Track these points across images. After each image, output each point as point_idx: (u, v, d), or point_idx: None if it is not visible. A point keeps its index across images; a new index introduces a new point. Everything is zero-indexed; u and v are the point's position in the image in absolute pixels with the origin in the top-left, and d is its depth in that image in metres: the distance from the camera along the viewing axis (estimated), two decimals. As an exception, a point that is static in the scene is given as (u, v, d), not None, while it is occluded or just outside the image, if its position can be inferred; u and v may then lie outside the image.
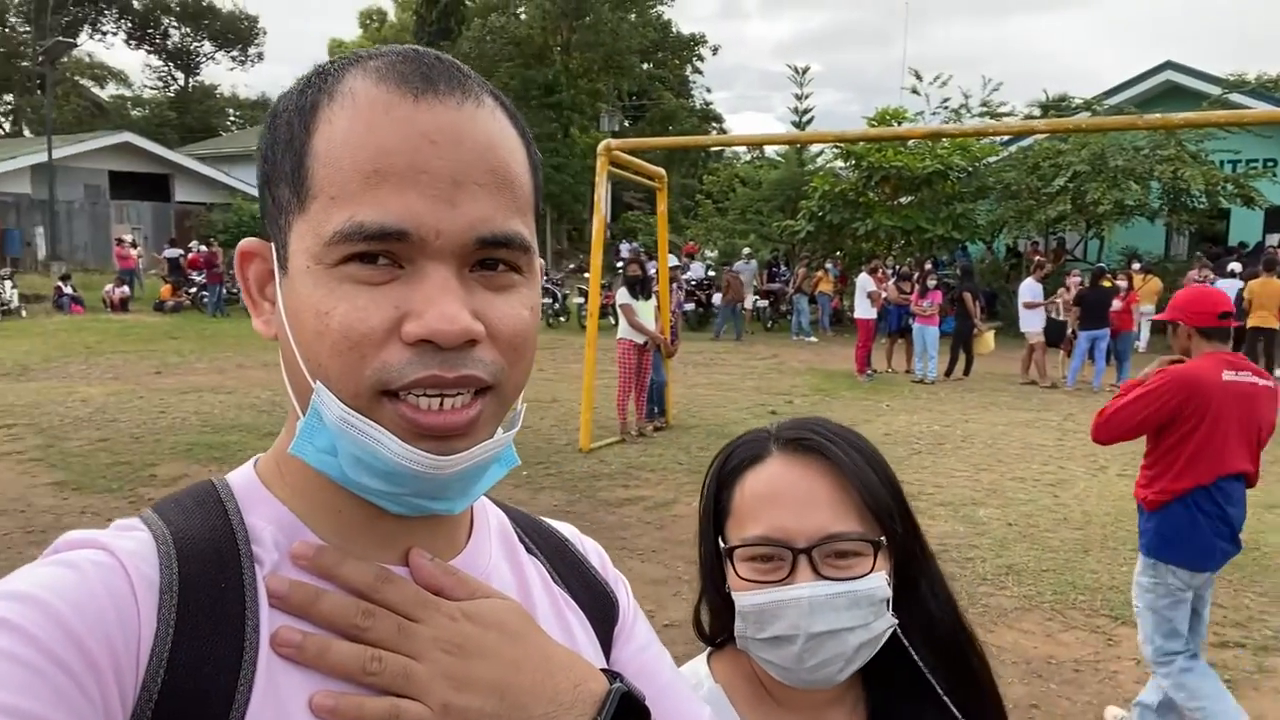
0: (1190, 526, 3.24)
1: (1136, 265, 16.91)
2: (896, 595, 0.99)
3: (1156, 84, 20.52)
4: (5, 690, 0.48)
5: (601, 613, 0.79)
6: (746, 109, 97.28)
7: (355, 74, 0.61)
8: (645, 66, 37.92)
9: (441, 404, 0.59)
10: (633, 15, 34.24)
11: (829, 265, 19.77)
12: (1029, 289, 13.11)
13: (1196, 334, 3.29)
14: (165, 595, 0.57)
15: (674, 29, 38.69)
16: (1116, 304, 12.34)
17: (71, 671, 0.51)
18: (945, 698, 1.00)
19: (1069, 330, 12.68)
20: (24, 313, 18.76)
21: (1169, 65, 20.54)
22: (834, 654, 0.95)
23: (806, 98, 26.25)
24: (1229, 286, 14.91)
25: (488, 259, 0.61)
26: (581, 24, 31.87)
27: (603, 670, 0.69)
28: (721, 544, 1.00)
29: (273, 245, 0.64)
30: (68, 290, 20.27)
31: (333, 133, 0.59)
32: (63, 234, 26.42)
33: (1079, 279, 12.68)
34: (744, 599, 0.97)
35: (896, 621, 0.98)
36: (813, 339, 18.16)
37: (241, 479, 0.67)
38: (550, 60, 32.79)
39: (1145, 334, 16.59)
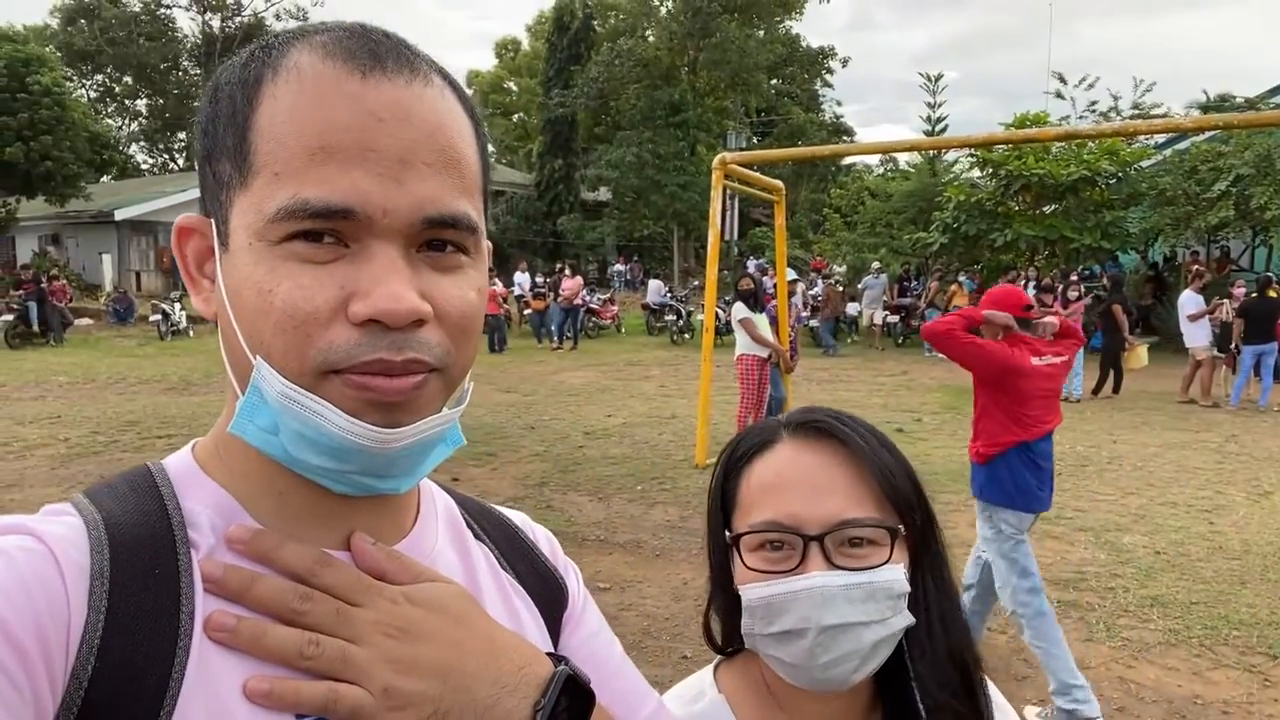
0: (1015, 476, 3.76)
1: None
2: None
3: (1333, 77, 18.81)
4: None
5: (550, 599, 0.78)
6: (880, 121, 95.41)
7: (301, 49, 0.60)
8: (773, 82, 37.66)
9: (390, 381, 0.58)
10: (760, 32, 34.10)
11: (962, 278, 18.99)
12: (1190, 300, 12.18)
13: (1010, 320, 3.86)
14: (96, 581, 0.55)
15: (802, 43, 38.31)
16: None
17: None
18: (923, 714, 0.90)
19: (1233, 344, 11.70)
20: (191, 332, 20.29)
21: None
22: (848, 650, 0.86)
23: (939, 105, 25.44)
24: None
25: (435, 239, 0.60)
26: (709, 43, 31.96)
27: (548, 654, 0.69)
28: (728, 535, 0.93)
29: (212, 221, 0.62)
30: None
31: (277, 108, 0.58)
32: (227, 259, 28.49)
33: (1244, 289, 11.69)
34: (751, 591, 0.89)
35: (914, 619, 0.89)
36: (930, 354, 17.48)
37: (178, 463, 0.66)
38: (677, 80, 33.06)
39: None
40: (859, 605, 0.85)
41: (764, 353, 8.33)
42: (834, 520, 0.86)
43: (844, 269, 23.70)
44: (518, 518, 0.84)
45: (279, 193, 0.57)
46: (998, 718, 0.96)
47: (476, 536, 0.77)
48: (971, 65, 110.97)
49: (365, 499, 0.64)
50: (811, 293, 19.10)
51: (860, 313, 20.85)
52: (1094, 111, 20.10)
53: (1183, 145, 18.19)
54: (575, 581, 0.83)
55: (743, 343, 8.41)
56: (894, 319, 19.77)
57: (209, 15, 42.42)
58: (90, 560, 0.56)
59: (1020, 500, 3.77)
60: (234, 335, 0.60)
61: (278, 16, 47.31)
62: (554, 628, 0.77)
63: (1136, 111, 19.48)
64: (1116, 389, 12.40)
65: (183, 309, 20.42)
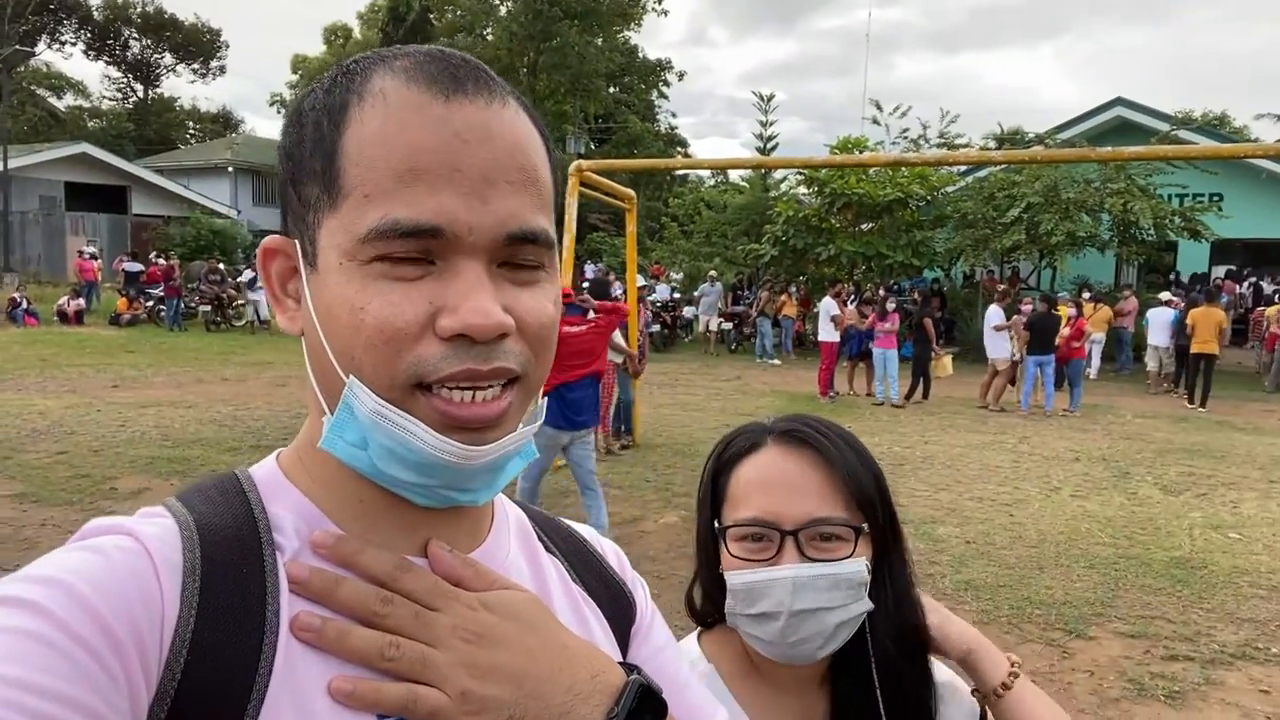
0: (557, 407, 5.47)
1: (1087, 294, 17.44)
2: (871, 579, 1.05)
3: (1108, 119, 21.24)
4: (28, 667, 0.49)
5: (619, 612, 0.80)
6: (713, 134, 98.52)
7: (383, 74, 0.62)
8: (611, 90, 38.25)
9: (474, 397, 0.61)
10: (600, 39, 34.58)
11: (793, 289, 20.05)
12: (995, 314, 13.34)
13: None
14: (188, 578, 0.58)
15: (640, 54, 39.12)
16: (1065, 331, 12.74)
17: (94, 650, 0.52)
18: (878, 690, 1.05)
19: (1014, 355, 12.97)
20: (-26, 324, 18.35)
21: (1120, 101, 21.28)
22: (814, 631, 1.00)
23: (771, 124, 26.70)
24: (1156, 316, 15.47)
25: (514, 254, 0.62)
26: (549, 46, 32.11)
27: (620, 663, 0.70)
28: (716, 525, 1.07)
29: (297, 242, 0.65)
30: (22, 302, 19.86)
31: (364, 132, 0.60)
32: (16, 245, 25.89)
33: (1032, 306, 13.02)
34: (734, 577, 1.03)
35: (872, 605, 1.03)
36: (775, 361, 18.38)
37: (264, 471, 0.69)
38: (517, 81, 32.96)
39: (1096, 361, 17.07)
40: (825, 593, 0.99)
41: (618, 358, 8.54)
42: (807, 518, 1.00)
43: (681, 276, 24.40)
44: (586, 531, 0.86)
45: (370, 214, 0.59)
46: (942, 693, 1.12)
47: (547, 549, 0.79)
48: (796, 87, 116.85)
49: (443, 510, 0.66)
50: (651, 298, 19.55)
51: (696, 318, 21.57)
52: (905, 138, 21.72)
53: (982, 174, 19.99)
54: (643, 595, 0.84)
55: (596, 347, 8.55)
56: (728, 326, 20.60)
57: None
58: (183, 558, 0.59)
59: (561, 422, 5.58)
60: (324, 353, 0.62)
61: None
62: (623, 641, 0.79)
63: (942, 140, 21.20)
64: (925, 395, 13.48)
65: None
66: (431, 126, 0.59)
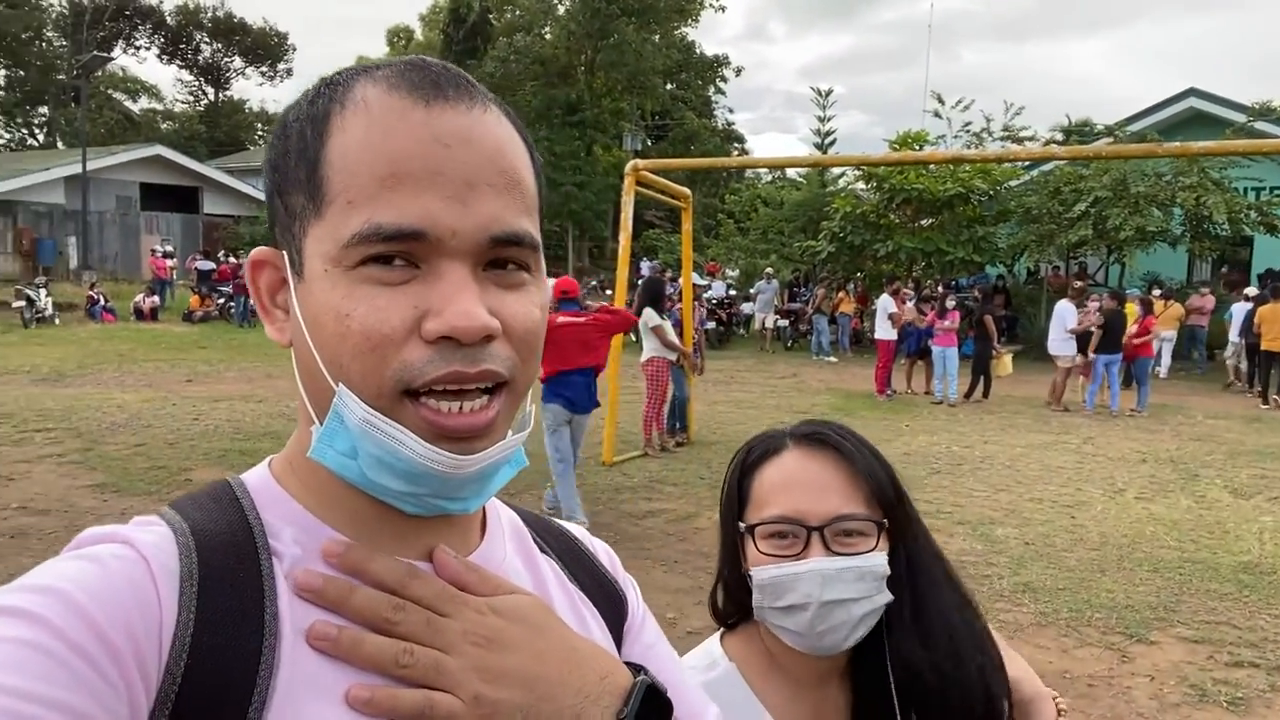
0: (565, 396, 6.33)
1: (1157, 291, 16.94)
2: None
3: (1180, 110, 20.57)
4: (26, 676, 0.50)
5: (612, 610, 0.81)
6: (770, 130, 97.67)
7: (365, 83, 0.63)
8: (668, 87, 38.22)
9: (461, 407, 0.61)
10: (657, 36, 34.58)
11: (850, 286, 19.84)
12: (1069, 312, 12.91)
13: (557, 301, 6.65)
14: (186, 584, 0.58)
15: (698, 50, 39.02)
16: (1132, 328, 12.41)
17: (91, 658, 0.52)
18: (892, 677, 1.09)
19: (1088, 352, 12.63)
20: (57, 320, 19.15)
21: (1192, 92, 20.60)
22: (841, 621, 1.06)
23: (829, 120, 26.45)
24: (1239, 311, 14.98)
25: (499, 257, 0.63)
26: (606, 44, 32.20)
27: (626, 663, 0.71)
28: (741, 526, 1.13)
29: (285, 253, 0.65)
30: (100, 299, 20.68)
31: (347, 140, 0.61)
32: (94, 244, 26.95)
33: (1099, 304, 12.64)
34: (762, 573, 1.09)
35: (891, 597, 1.09)
36: (832, 359, 18.24)
37: (256, 478, 0.69)
38: (574, 79, 33.17)
39: (1166, 360, 16.57)
40: (851, 584, 1.05)
41: (672, 356, 8.61)
42: (832, 515, 1.06)
43: (737, 274, 24.34)
44: (577, 531, 0.87)
45: (353, 219, 0.59)
46: (1006, 663, 1.16)
47: (542, 550, 0.80)
48: (856, 81, 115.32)
49: (435, 516, 0.66)
50: (707, 295, 19.56)
51: (753, 315, 21.50)
52: (968, 131, 21.34)
53: (1048, 167, 19.53)
54: (634, 594, 0.85)
55: (652, 346, 8.64)
56: (784, 323, 20.49)
57: (76, -17, 39.92)
58: (179, 564, 0.59)
59: (558, 402, 6.32)
60: (313, 362, 0.62)
61: (151, -11, 44.93)
62: (616, 638, 0.80)
63: (1007, 133, 20.78)
64: (986, 394, 13.26)
65: (49, 295, 19.23)
66: (413, 132, 0.60)
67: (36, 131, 44.68)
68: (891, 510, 1.10)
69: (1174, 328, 16.61)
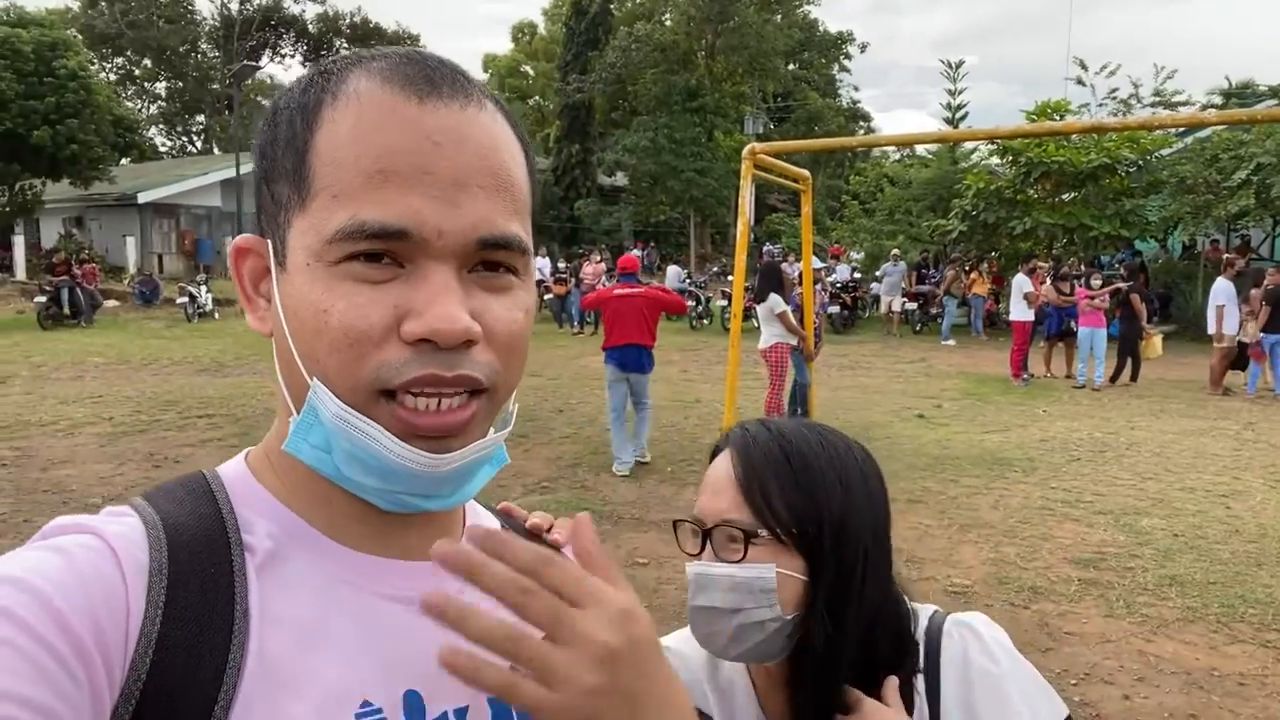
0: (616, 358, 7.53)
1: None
2: (829, 604, 0.99)
3: (1358, 65, 18.70)
4: None
5: None
6: (898, 107, 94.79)
7: (359, 75, 0.61)
8: (790, 67, 37.60)
9: (439, 405, 0.59)
10: (778, 17, 34.06)
11: (984, 266, 19.02)
12: (1224, 290, 12.03)
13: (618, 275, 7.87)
14: (155, 578, 0.57)
15: (820, 28, 38.20)
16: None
17: (55, 651, 0.51)
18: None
19: (1253, 335, 11.69)
20: (217, 315, 20.61)
21: (1373, 44, 18.68)
22: (716, 629, 1.01)
23: (960, 93, 25.46)
24: None
25: (487, 260, 0.61)
26: (726, 28, 31.95)
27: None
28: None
29: (269, 242, 0.64)
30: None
31: (336, 131, 0.59)
32: (248, 243, 28.77)
33: (1272, 277, 11.57)
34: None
35: (788, 617, 0.99)
36: (950, 342, 17.56)
37: (232, 471, 0.68)
38: (694, 65, 33.08)
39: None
40: (726, 593, 0.99)
41: (794, 340, 8.52)
42: (718, 518, 1.01)
43: (862, 256, 23.79)
44: (563, 537, 0.84)
45: (337, 214, 0.58)
46: (973, 675, 1.01)
47: None
48: (991, 50, 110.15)
49: (413, 514, 0.65)
50: (830, 279, 19.19)
51: (878, 298, 20.97)
52: (1114, 99, 20.11)
53: (1204, 133, 18.15)
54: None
55: (776, 332, 8.57)
56: (912, 306, 19.88)
57: (227, -2, 42.63)
58: (149, 558, 0.58)
59: (611, 362, 7.55)
60: (290, 354, 0.61)
61: (295, 0, 47.43)
62: None
63: (1158, 99, 19.48)
64: (1134, 377, 12.51)
65: (209, 291, 20.71)
66: (403, 128, 0.59)
67: (195, 139, 48.07)
68: (800, 524, 0.99)
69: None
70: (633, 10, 35.35)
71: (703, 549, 1.03)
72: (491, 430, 0.65)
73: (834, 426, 1.12)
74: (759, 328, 8.90)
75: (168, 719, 0.55)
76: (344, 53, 0.66)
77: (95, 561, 0.56)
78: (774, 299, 8.46)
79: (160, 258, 27.73)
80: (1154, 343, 12.70)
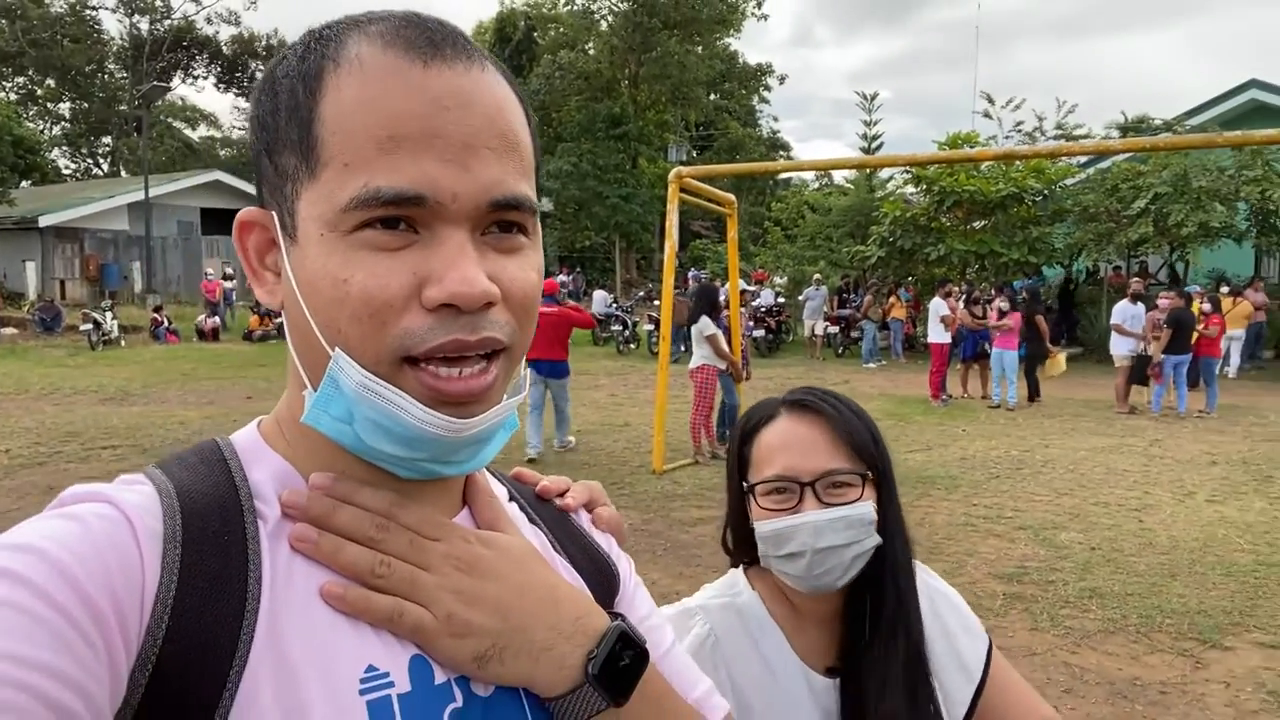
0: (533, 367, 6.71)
1: (1225, 289, 16.40)
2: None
3: (1241, 103, 19.93)
4: (7, 636, 0.49)
5: (603, 583, 0.79)
6: (817, 137, 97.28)
7: (358, 39, 0.60)
8: (712, 97, 38.26)
9: (460, 372, 0.60)
10: (700, 48, 34.66)
11: (902, 291, 19.56)
12: (1119, 311, 12.63)
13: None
14: (169, 545, 0.57)
15: (740, 59, 39.00)
16: (1200, 328, 12.02)
17: (72, 618, 0.51)
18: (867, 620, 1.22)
19: (1154, 356, 12.25)
20: (123, 342, 19.76)
21: (1254, 84, 19.95)
22: (834, 564, 1.17)
23: (876, 124, 26.27)
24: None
25: (499, 221, 0.61)
26: (649, 57, 32.38)
27: (608, 612, 0.72)
28: (745, 485, 1.24)
29: (274, 214, 0.63)
30: (163, 321, 21.30)
31: (342, 99, 0.59)
32: (157, 268, 27.77)
33: (1168, 301, 12.20)
34: (763, 526, 1.20)
35: (881, 540, 1.20)
36: (870, 365, 17.94)
37: (245, 438, 0.68)
38: (618, 93, 33.38)
39: (1236, 359, 16.03)
40: (841, 532, 1.16)
41: (722, 364, 8.56)
42: (820, 470, 1.18)
43: (785, 281, 24.18)
44: None
45: (350, 183, 0.57)
46: (938, 604, 1.30)
47: (531, 521, 0.79)
48: (904, 84, 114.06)
49: (426, 481, 0.66)
50: (755, 303, 19.44)
51: (800, 321, 21.32)
52: (1020, 131, 20.93)
53: (1104, 164, 19.05)
54: (627, 567, 0.85)
55: (703, 354, 8.60)
56: (834, 330, 20.26)
57: (137, 18, 41.35)
58: (164, 525, 0.58)
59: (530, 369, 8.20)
60: (307, 326, 0.61)
61: (209, 20, 46.40)
62: (607, 610, 0.79)
63: (1060, 132, 20.35)
64: (1032, 397, 12.89)
65: (115, 318, 19.86)
66: (411, 93, 0.58)
67: (101, 161, 46.29)
68: (874, 463, 1.21)
69: (1243, 326, 16.07)
70: (556, 39, 35.54)
71: (801, 501, 1.17)
72: (505, 396, 0.66)
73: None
74: (687, 350, 8.96)
75: (184, 683, 0.55)
76: (340, 16, 0.64)
77: (110, 529, 0.56)
78: (704, 321, 8.50)
79: (62, 283, 26.53)
80: (1058, 360, 13.22)
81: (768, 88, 41.22)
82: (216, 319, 22.50)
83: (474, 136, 0.59)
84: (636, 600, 0.83)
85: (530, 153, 0.65)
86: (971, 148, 19.28)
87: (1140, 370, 12.23)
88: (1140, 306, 12.51)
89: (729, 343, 9.00)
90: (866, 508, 1.18)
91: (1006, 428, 11.03)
